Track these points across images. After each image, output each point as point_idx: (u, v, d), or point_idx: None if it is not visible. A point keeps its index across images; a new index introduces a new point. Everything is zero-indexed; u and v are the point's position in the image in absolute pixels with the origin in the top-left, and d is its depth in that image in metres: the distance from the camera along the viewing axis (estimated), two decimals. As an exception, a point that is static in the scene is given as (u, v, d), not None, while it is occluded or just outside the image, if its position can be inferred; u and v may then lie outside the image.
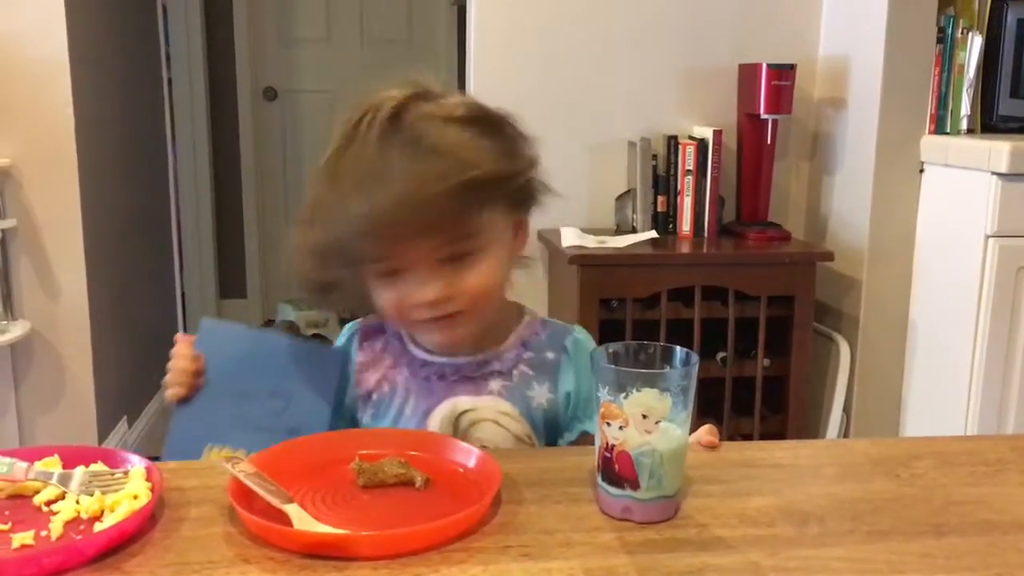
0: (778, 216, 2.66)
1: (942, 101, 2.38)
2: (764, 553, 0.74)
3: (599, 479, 0.81)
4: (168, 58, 3.89)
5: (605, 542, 0.76)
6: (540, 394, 1.06)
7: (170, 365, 1.06)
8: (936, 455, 0.95)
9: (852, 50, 2.52)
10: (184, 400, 1.05)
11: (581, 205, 2.61)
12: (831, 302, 2.59)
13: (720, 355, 2.41)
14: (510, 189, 0.99)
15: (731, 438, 2.34)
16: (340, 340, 1.15)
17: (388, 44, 4.42)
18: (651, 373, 0.79)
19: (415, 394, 1.07)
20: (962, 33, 2.36)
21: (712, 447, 0.95)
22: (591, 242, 2.40)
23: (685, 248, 2.49)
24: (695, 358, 0.81)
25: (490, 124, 0.99)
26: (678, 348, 0.83)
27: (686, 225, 2.55)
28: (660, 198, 2.55)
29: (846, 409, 2.52)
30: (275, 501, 0.78)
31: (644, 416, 0.77)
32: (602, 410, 0.79)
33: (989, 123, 2.42)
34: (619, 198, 2.62)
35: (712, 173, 2.52)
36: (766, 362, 2.43)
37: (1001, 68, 2.39)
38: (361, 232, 0.93)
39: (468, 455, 0.89)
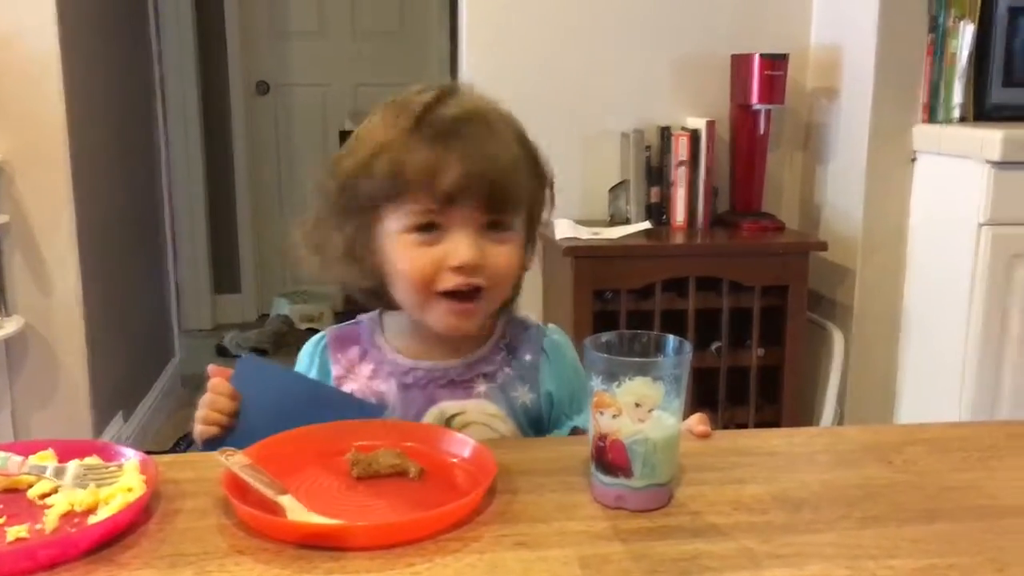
0: (771, 206, 2.66)
1: (934, 90, 2.38)
2: (758, 539, 0.74)
3: (593, 468, 0.81)
4: (160, 53, 3.87)
5: (599, 530, 0.76)
6: (523, 394, 1.06)
7: (204, 400, 0.98)
8: (929, 441, 0.96)
9: (844, 39, 2.52)
10: (214, 440, 0.95)
11: (575, 196, 2.60)
12: (825, 291, 2.59)
13: (715, 345, 2.41)
14: (539, 186, 1.04)
15: (726, 427, 2.35)
16: (304, 355, 1.09)
17: (380, 36, 4.41)
18: (644, 362, 0.79)
19: (402, 401, 1.04)
20: (954, 22, 2.36)
21: (705, 436, 0.96)
22: (585, 233, 2.40)
23: (679, 239, 2.49)
24: (688, 346, 0.81)
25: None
26: (671, 337, 0.83)
27: (680, 216, 2.54)
28: (653, 189, 2.55)
29: (840, 398, 2.52)
30: (269, 493, 0.78)
31: (637, 405, 0.77)
32: (595, 399, 0.79)
33: (981, 112, 2.42)
34: (612, 189, 2.62)
35: (705, 164, 2.51)
36: (760, 352, 2.43)
37: (993, 56, 2.39)
38: (424, 173, 0.94)
39: (463, 446, 0.90)
